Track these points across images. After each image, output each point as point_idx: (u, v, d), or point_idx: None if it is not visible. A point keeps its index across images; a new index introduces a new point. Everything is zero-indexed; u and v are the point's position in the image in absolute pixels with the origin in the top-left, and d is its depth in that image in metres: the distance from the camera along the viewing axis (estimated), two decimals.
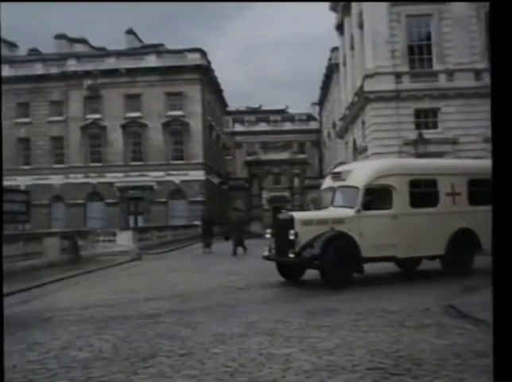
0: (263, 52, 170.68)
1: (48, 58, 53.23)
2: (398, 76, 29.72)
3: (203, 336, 7.79)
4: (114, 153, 49.59)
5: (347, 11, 38.78)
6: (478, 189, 13.88)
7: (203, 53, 50.30)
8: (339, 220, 12.89)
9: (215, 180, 52.25)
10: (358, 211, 12.87)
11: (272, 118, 78.30)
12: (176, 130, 49.21)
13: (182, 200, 48.07)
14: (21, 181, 48.35)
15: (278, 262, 13.96)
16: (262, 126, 76.01)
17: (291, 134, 73.10)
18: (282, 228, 13.30)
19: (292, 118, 78.67)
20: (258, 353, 6.66)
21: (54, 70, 51.26)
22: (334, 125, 52.81)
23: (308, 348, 6.89)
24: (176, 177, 48.11)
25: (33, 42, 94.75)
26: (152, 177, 48.44)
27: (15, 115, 51.20)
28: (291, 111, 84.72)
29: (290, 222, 13.00)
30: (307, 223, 12.97)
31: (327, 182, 15.07)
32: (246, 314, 9.52)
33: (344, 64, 42.21)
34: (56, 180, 50.45)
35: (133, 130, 49.68)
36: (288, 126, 75.96)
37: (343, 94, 42.79)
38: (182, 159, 48.87)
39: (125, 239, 31.48)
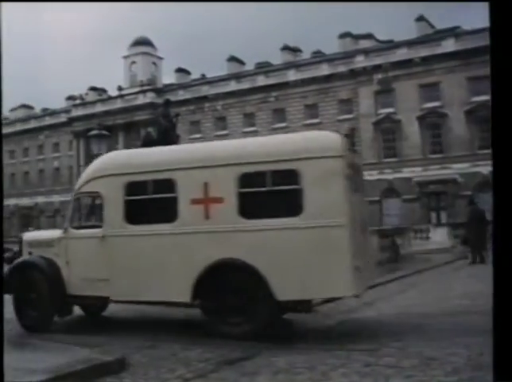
0: None
1: (333, 58, 53.84)
2: None
3: None
4: (410, 147, 47.35)
5: None
6: (261, 190, 8.28)
7: None
8: (49, 243, 9.91)
9: None
10: (65, 230, 9.68)
11: None
12: (482, 117, 43.94)
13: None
14: None
15: None
16: None
17: None
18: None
19: None
20: None
21: (341, 69, 51.57)
22: None
23: None
24: (485, 168, 43.24)
25: (316, 45, 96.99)
26: (455, 169, 44.96)
27: (303, 117, 52.57)
28: None
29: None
30: (32, 245, 10.25)
31: None
32: None
33: None
34: None
35: (432, 121, 46.72)
36: None
37: None
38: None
39: (439, 236, 29.16)
